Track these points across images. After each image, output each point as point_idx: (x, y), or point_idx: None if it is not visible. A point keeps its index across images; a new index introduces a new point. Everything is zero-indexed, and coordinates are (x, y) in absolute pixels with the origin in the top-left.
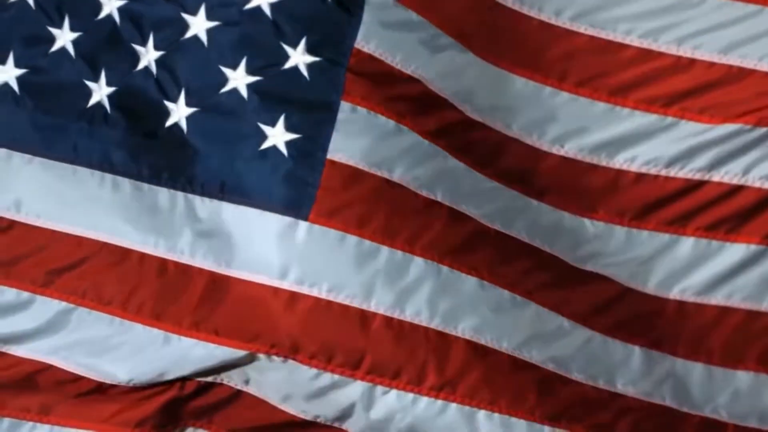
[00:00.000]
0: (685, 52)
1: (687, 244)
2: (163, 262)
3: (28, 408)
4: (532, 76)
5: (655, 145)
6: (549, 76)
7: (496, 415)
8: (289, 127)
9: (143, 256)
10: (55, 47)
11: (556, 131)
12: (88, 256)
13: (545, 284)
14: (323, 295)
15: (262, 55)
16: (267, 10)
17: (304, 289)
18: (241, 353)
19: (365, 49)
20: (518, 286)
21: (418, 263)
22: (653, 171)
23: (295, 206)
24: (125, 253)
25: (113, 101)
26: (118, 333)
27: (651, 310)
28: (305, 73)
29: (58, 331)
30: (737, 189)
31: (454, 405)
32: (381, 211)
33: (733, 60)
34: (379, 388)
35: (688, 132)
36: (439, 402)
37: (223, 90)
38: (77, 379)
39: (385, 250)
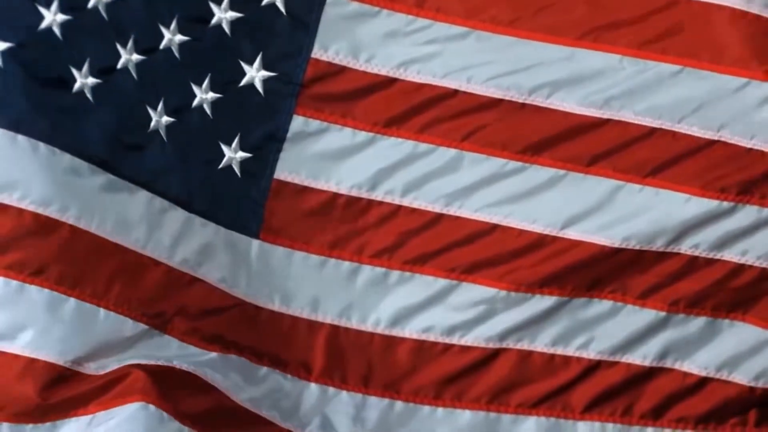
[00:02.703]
0: None
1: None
2: None
3: None
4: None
5: None
6: None
7: None
8: (243, 146)
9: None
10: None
11: None
12: None
13: None
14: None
15: (222, 73)
16: (227, 28)
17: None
18: None
19: (323, 58)
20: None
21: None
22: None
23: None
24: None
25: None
26: None
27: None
28: (260, 89)
29: None
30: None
31: None
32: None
33: None
34: None
35: None
36: None
37: (194, 105)
38: None
39: (331, 262)
